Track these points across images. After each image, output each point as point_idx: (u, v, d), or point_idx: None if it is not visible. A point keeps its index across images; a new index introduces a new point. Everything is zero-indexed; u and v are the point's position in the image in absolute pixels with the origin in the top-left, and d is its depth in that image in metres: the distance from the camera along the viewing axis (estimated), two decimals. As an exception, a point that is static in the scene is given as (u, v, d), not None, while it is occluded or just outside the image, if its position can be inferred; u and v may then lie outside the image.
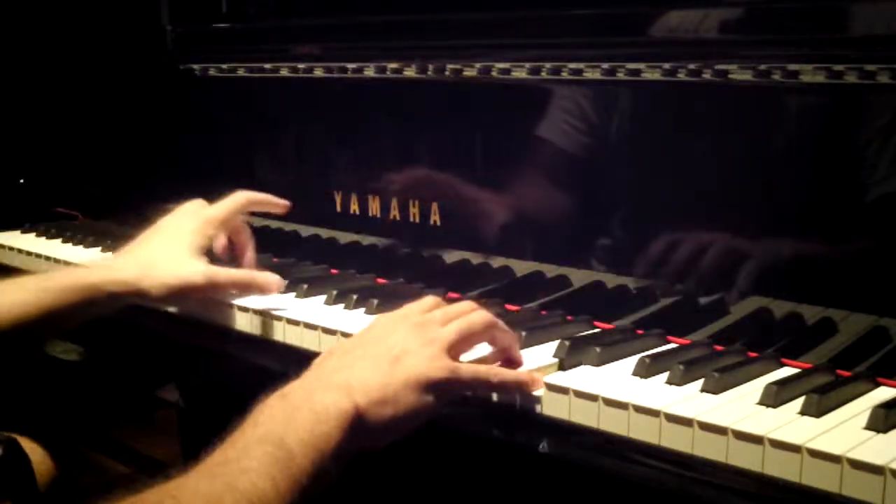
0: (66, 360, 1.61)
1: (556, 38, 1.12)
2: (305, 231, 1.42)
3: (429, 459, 1.16)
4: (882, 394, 0.87)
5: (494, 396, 0.92)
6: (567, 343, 0.96)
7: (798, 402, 0.82)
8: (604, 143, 1.10)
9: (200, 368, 1.51)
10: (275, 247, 1.41)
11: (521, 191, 1.18)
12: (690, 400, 0.84)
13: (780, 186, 0.96)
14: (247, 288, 1.17)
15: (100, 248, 1.54)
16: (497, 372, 0.90)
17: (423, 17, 1.24)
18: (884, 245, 0.89)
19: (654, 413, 0.82)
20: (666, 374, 0.90)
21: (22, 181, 1.91)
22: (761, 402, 0.83)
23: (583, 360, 0.95)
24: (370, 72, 1.30)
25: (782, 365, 0.95)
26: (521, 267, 1.18)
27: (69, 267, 1.42)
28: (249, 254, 1.24)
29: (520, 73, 1.14)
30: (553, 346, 0.97)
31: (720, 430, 0.78)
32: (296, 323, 1.12)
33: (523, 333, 1.00)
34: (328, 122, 1.40)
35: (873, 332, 0.90)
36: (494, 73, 1.16)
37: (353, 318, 1.12)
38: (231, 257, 1.25)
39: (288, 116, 1.45)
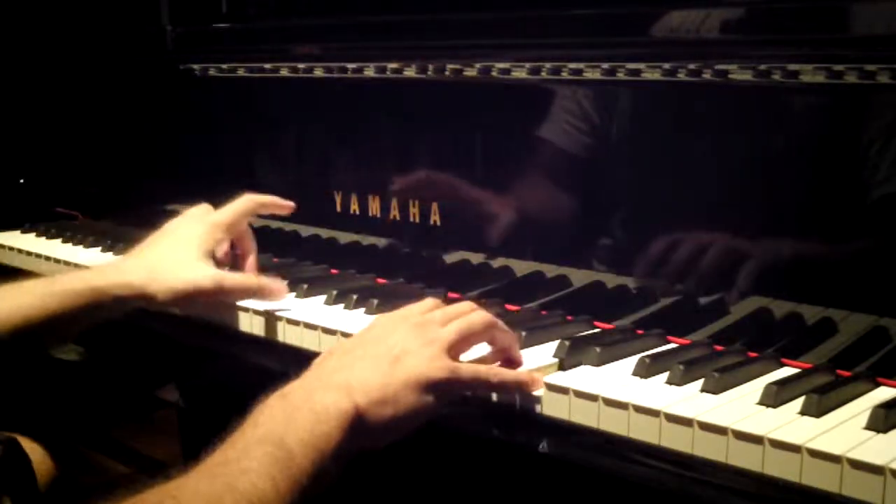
0: (66, 360, 1.61)
1: (556, 38, 1.12)
2: (305, 231, 1.42)
3: (429, 459, 1.16)
4: (882, 394, 0.87)
5: (494, 396, 0.92)
6: (567, 343, 0.96)
7: (798, 402, 0.82)
8: (604, 143, 1.10)
9: (200, 368, 1.52)
10: (275, 247, 1.41)
11: (521, 191, 1.18)
12: (690, 400, 0.84)
13: (779, 186, 0.96)
14: (255, 294, 1.16)
15: (100, 248, 1.53)
16: (497, 372, 0.91)
17: (423, 17, 1.24)
18: (884, 245, 0.89)
19: (654, 413, 0.82)
20: (666, 374, 0.90)
21: (22, 181, 1.91)
22: (761, 402, 0.83)
23: (583, 360, 0.95)
24: (370, 72, 1.30)
25: (782, 365, 0.95)
26: (521, 267, 1.18)
27: (74, 270, 1.42)
28: (251, 260, 1.23)
29: (520, 73, 1.14)
30: (553, 346, 0.97)
31: (720, 430, 0.78)
32: (296, 323, 1.12)
33: (523, 333, 1.00)
34: (328, 122, 1.40)
35: (873, 332, 0.90)
36: (494, 73, 1.16)
37: (353, 318, 1.11)
38: (233, 262, 1.24)
39: (288, 116, 1.45)
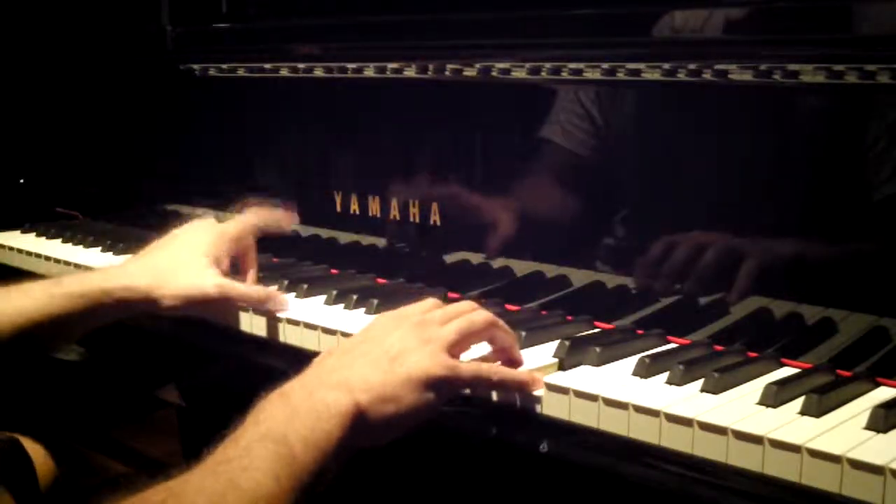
0: (67, 360, 1.61)
1: (556, 38, 1.12)
2: (305, 231, 1.42)
3: (429, 459, 1.16)
4: (882, 394, 0.87)
5: (494, 396, 0.92)
6: (567, 343, 0.96)
7: (798, 402, 0.82)
8: (604, 144, 1.10)
9: (200, 368, 1.52)
10: (275, 247, 1.41)
11: (521, 191, 1.18)
12: (690, 400, 0.84)
13: (779, 186, 0.96)
14: (259, 304, 1.15)
15: (100, 248, 1.53)
16: (498, 370, 0.91)
17: (423, 17, 1.24)
18: (884, 245, 0.89)
19: (654, 413, 0.82)
20: (666, 374, 0.90)
21: (22, 181, 1.91)
22: (761, 402, 0.83)
23: (583, 360, 0.95)
24: (370, 72, 1.30)
25: (782, 365, 0.95)
26: (521, 267, 1.18)
27: (74, 270, 1.42)
28: (251, 275, 1.23)
29: (520, 73, 1.14)
30: (553, 346, 0.97)
31: (720, 430, 0.78)
32: (296, 323, 1.12)
33: (523, 333, 1.00)
34: (328, 122, 1.40)
35: (873, 332, 0.90)
36: (494, 73, 1.16)
37: (353, 318, 1.12)
38: (232, 276, 1.24)
39: (288, 116, 1.45)
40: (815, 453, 0.73)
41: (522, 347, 0.97)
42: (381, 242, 1.33)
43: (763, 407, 0.82)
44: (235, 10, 1.55)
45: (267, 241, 1.33)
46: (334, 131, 1.40)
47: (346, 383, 0.82)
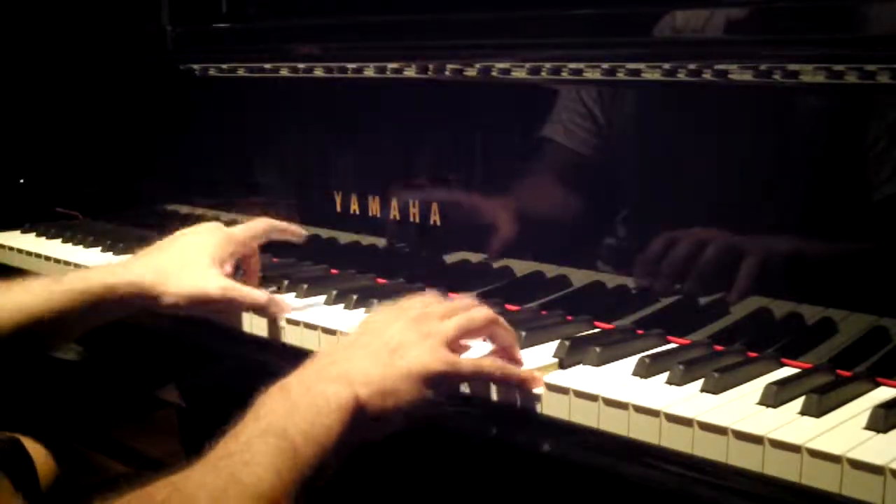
0: (66, 360, 1.61)
1: (556, 38, 1.12)
2: (305, 231, 1.42)
3: (429, 459, 1.16)
4: (882, 394, 0.87)
5: (494, 396, 0.92)
6: (567, 343, 0.96)
7: (798, 402, 0.82)
8: (604, 143, 1.10)
9: (200, 368, 1.52)
10: (275, 247, 1.41)
11: (521, 191, 1.18)
12: (690, 400, 0.84)
13: (779, 186, 0.97)
14: (261, 308, 1.15)
15: (100, 248, 1.53)
16: (499, 366, 0.90)
17: (423, 17, 1.24)
18: (884, 245, 0.89)
19: (654, 413, 0.82)
20: (666, 374, 0.90)
21: (22, 181, 1.91)
22: (761, 402, 0.83)
23: (583, 359, 0.95)
24: (370, 72, 1.30)
25: (782, 365, 0.95)
26: (521, 267, 1.18)
27: (75, 270, 1.42)
28: (253, 281, 1.23)
29: (520, 73, 1.14)
30: (553, 345, 0.97)
31: (720, 430, 0.78)
32: (296, 323, 1.12)
33: (523, 333, 0.99)
34: (328, 122, 1.40)
35: (873, 332, 0.90)
36: (494, 73, 1.16)
37: (353, 318, 1.11)
38: (235, 278, 1.24)
39: (288, 116, 1.45)
40: (815, 453, 0.73)
41: (522, 347, 0.97)
42: (381, 242, 1.33)
43: (763, 407, 0.82)
44: (235, 10, 1.55)
45: (267, 241, 1.33)
46: (334, 131, 1.40)
47: (346, 376, 0.82)
